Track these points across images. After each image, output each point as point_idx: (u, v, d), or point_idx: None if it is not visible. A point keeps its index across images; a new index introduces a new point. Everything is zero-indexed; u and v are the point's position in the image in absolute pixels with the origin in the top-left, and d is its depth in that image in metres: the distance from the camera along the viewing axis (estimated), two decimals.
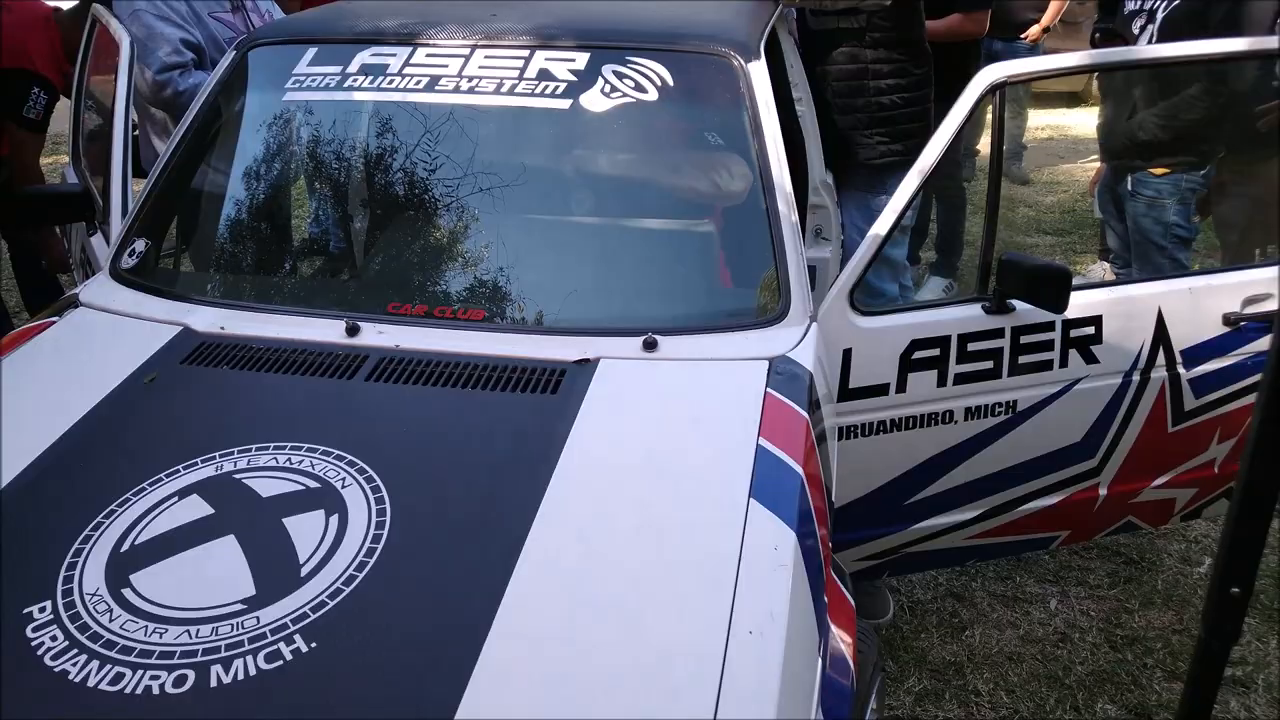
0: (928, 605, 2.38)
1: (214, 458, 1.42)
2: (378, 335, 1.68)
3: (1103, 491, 2.09)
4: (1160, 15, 2.77)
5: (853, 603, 1.50)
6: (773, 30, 2.28)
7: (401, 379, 1.57)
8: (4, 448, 1.45)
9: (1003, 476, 1.99)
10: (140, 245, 1.96)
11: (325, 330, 1.70)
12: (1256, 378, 2.04)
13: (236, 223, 2.02)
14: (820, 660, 1.28)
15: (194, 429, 1.50)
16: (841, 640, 1.38)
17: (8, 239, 3.38)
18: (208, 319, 1.74)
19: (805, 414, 1.52)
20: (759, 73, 1.93)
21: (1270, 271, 2.03)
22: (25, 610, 1.19)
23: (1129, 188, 2.85)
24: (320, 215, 1.97)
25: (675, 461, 1.43)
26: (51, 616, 1.18)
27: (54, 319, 1.84)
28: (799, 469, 1.40)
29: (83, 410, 1.52)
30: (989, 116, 1.96)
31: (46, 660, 1.13)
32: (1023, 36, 5.03)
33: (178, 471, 1.40)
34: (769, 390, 1.54)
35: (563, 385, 1.55)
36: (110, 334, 1.76)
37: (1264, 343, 2.02)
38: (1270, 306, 2.01)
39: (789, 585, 1.22)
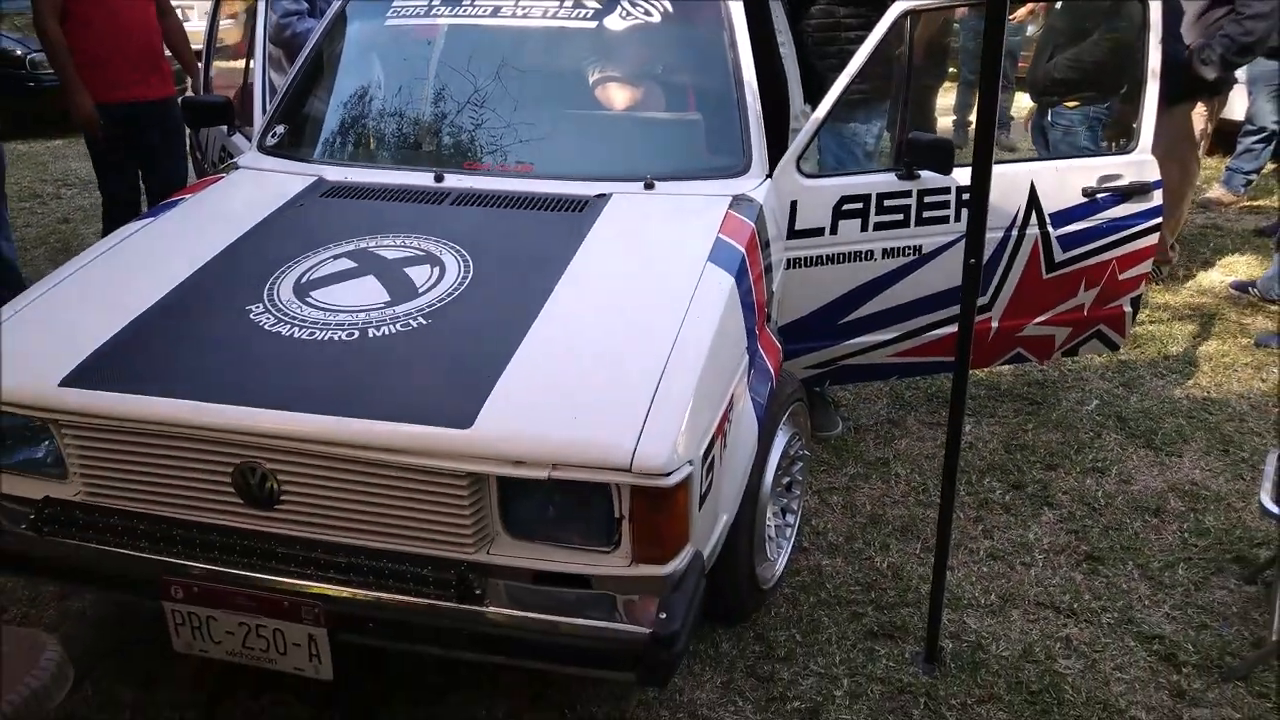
0: (869, 427, 3.05)
1: (353, 240, 2.13)
2: (457, 181, 2.40)
3: (995, 324, 2.75)
4: None
5: (779, 348, 2.19)
6: None
7: (476, 205, 2.29)
8: (209, 236, 2.18)
9: (914, 306, 2.65)
10: (280, 129, 2.70)
11: (420, 178, 2.42)
12: (1112, 237, 2.71)
13: (352, 111, 2.74)
14: (747, 355, 1.97)
15: (336, 228, 2.21)
16: (768, 360, 2.08)
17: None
18: (336, 173, 2.47)
19: (752, 224, 2.20)
20: (737, 5, 2.62)
21: (1119, 158, 2.68)
22: (245, 307, 1.91)
23: (1049, 119, 3.50)
24: (415, 104, 2.69)
25: (661, 243, 2.14)
26: (263, 310, 1.90)
27: (222, 175, 2.58)
28: (741, 249, 2.09)
29: (258, 218, 2.26)
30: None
31: (265, 328, 1.85)
32: (1009, 17, 5.66)
33: (329, 247, 2.11)
34: (729, 210, 2.23)
35: (586, 208, 2.25)
36: (266, 181, 2.50)
37: (1115, 211, 2.67)
38: (1120, 184, 2.65)
39: (725, 299, 1.91)
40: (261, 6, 3.03)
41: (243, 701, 2.00)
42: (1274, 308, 3.89)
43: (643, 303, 1.92)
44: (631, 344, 1.78)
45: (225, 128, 3.12)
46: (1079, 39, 3.33)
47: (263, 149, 2.66)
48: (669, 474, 1.54)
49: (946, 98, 6.04)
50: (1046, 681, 2.07)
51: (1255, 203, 5.22)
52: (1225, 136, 5.25)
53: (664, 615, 1.58)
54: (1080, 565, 2.45)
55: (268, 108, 2.82)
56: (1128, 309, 2.87)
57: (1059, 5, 3.51)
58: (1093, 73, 3.33)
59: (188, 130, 3.82)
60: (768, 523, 2.17)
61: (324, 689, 1.88)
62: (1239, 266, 4.38)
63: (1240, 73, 4.86)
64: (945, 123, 5.93)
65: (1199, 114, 3.84)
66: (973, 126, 6.28)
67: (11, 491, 1.81)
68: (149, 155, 3.80)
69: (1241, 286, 4.08)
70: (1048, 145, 3.65)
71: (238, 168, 2.61)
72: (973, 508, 2.65)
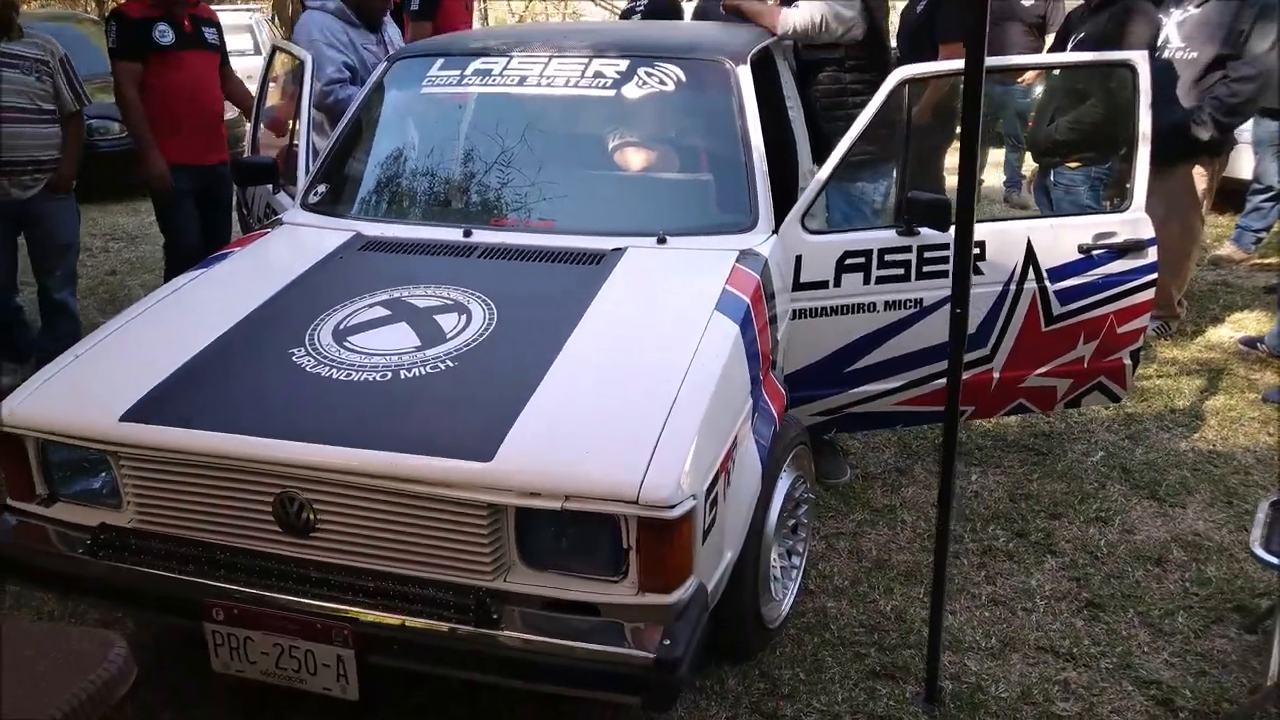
0: (877, 474, 3.14)
1: (387, 290, 2.30)
2: (484, 236, 2.57)
3: (996, 375, 2.85)
4: None
5: (784, 394, 2.32)
6: (767, 52, 3.16)
7: (501, 258, 2.45)
8: (256, 286, 2.36)
9: (916, 356, 2.76)
10: (321, 188, 2.90)
11: (450, 234, 2.60)
12: (1108, 292, 2.82)
13: (388, 172, 2.94)
14: (751, 399, 2.10)
15: (373, 279, 2.38)
16: (772, 405, 2.20)
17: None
18: (372, 228, 2.66)
19: (758, 277, 2.35)
20: (745, 74, 2.80)
21: (1114, 217, 2.80)
22: (288, 351, 2.07)
23: (1051, 179, 3.64)
24: (446, 166, 2.89)
25: (671, 294, 2.29)
26: (305, 353, 2.06)
27: (267, 230, 2.78)
28: (747, 300, 2.23)
29: (300, 270, 2.43)
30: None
31: (307, 369, 2.01)
32: (1019, 80, 5.84)
33: (365, 297, 2.28)
34: (736, 263, 2.38)
35: (603, 261, 2.41)
36: (307, 236, 2.69)
37: (1111, 266, 2.79)
38: (1115, 240, 2.77)
39: (730, 346, 2.05)
40: (308, 75, 3.26)
41: None
42: None
43: (653, 348, 2.06)
44: (641, 386, 1.92)
45: (270, 186, 3.33)
46: (1078, 102, 3.49)
47: (305, 206, 2.86)
48: (673, 507, 1.66)
49: (955, 157, 6.19)
50: None
51: (1265, 260, 5.30)
52: (1233, 195, 5.36)
53: (668, 642, 1.68)
54: (1081, 612, 2.51)
55: (310, 168, 3.03)
56: (1128, 361, 2.96)
57: (1058, 71, 3.67)
58: (1091, 134, 3.47)
59: (235, 188, 4.07)
60: (773, 563, 2.27)
61: (353, 713, 1.99)
62: (1248, 322, 4.45)
63: (1246, 134, 4.99)
64: (954, 181, 6.07)
65: (1199, 174, 3.96)
66: (983, 184, 6.48)
67: (69, 519, 1.97)
68: (205, 212, 4.08)
69: (1250, 342, 4.14)
70: (1051, 204, 3.79)
71: (282, 224, 2.80)
72: (976, 554, 2.73)
